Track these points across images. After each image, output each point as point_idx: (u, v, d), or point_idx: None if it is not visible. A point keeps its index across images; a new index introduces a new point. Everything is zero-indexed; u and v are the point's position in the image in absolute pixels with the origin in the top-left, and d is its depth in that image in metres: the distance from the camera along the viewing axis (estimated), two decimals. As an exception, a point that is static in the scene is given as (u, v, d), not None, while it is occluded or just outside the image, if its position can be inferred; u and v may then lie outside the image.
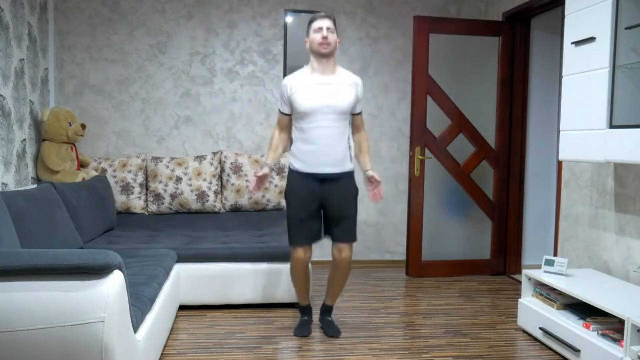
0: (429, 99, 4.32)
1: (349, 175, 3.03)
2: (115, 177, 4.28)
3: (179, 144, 4.64)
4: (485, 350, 2.90)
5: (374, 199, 3.06)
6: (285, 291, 3.51)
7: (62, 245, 3.01)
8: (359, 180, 3.37)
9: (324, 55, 2.92)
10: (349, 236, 3.02)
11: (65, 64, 4.46)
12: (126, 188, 4.28)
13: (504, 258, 4.55)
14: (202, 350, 2.84)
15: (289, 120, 3.05)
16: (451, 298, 3.86)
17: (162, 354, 2.77)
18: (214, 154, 4.48)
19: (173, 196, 4.30)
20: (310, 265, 3.54)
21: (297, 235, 2.99)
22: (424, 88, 4.31)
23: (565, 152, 3.00)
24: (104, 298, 1.90)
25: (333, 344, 2.97)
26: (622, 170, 3.09)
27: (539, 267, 4.20)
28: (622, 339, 2.44)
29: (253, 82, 4.69)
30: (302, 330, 3.10)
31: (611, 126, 2.64)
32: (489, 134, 4.46)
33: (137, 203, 4.30)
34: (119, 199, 4.27)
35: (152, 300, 2.49)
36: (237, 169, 4.41)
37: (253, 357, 2.76)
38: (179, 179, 4.31)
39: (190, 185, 4.32)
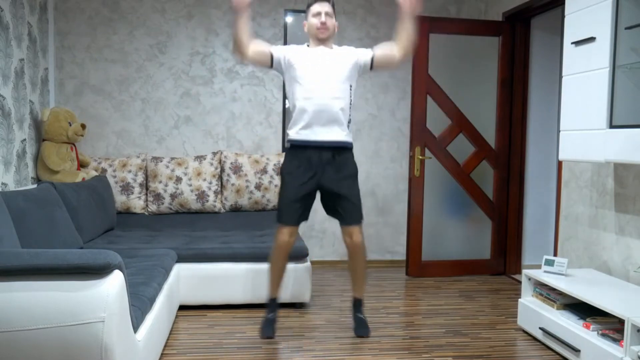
0: (429, 99, 4.32)
1: (348, 148, 2.99)
2: (115, 177, 4.28)
3: (179, 144, 4.64)
4: (485, 350, 2.90)
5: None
6: (285, 291, 3.50)
7: (62, 245, 3.01)
8: (358, 160, 3.26)
9: (322, 39, 2.94)
10: (355, 218, 2.99)
11: (65, 64, 4.46)
12: (126, 188, 4.28)
13: (504, 258, 4.55)
14: (202, 350, 2.84)
15: (264, 60, 2.95)
16: (451, 298, 3.86)
17: (162, 354, 2.77)
18: (214, 154, 4.48)
19: (173, 196, 4.30)
20: (309, 264, 3.55)
21: (287, 215, 2.96)
22: (424, 88, 4.31)
23: (565, 152, 3.00)
24: (104, 298, 1.90)
25: (333, 343, 2.97)
26: (622, 170, 3.09)
27: (539, 267, 4.19)
28: (622, 339, 2.44)
29: (253, 82, 4.69)
30: (267, 331, 3.03)
31: (611, 126, 2.64)
32: (489, 134, 4.46)
33: (137, 203, 4.30)
34: (119, 199, 4.27)
35: (152, 300, 2.49)
36: (237, 169, 4.41)
37: (253, 357, 2.76)
38: (179, 179, 4.31)
39: (190, 185, 4.32)
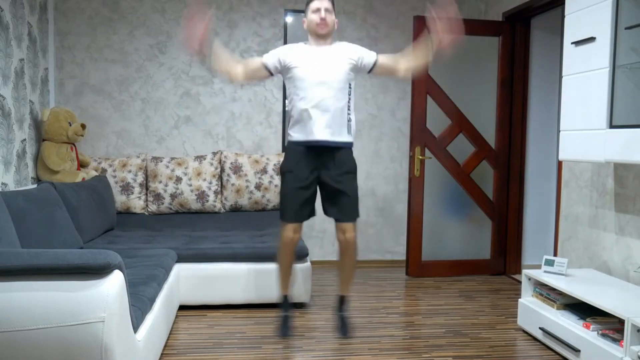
0: (429, 99, 4.32)
1: (347, 147, 2.99)
2: (115, 177, 4.28)
3: (179, 144, 4.64)
4: (485, 350, 2.90)
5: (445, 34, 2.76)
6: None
7: (62, 245, 3.01)
8: (357, 172, 3.28)
9: (322, 35, 2.93)
10: (350, 214, 2.98)
11: (65, 64, 4.46)
12: (126, 188, 4.28)
13: (504, 258, 4.55)
14: (202, 350, 2.84)
15: (258, 69, 2.97)
16: (451, 298, 3.86)
17: (162, 354, 2.77)
18: (214, 154, 4.48)
19: (173, 196, 4.30)
20: (309, 264, 3.55)
21: (290, 212, 2.97)
22: (424, 88, 4.31)
23: (565, 152, 3.00)
24: (104, 298, 1.90)
25: (333, 344, 2.97)
26: (622, 170, 3.09)
27: (539, 267, 4.19)
28: (622, 339, 2.44)
29: (253, 82, 4.69)
30: (283, 330, 3.05)
31: (611, 126, 2.64)
32: (489, 134, 4.46)
33: (137, 203, 4.30)
34: (119, 199, 4.27)
35: (152, 300, 2.49)
36: (237, 169, 4.41)
37: (253, 357, 2.76)
38: (179, 179, 4.31)
39: (190, 185, 4.32)
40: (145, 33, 4.54)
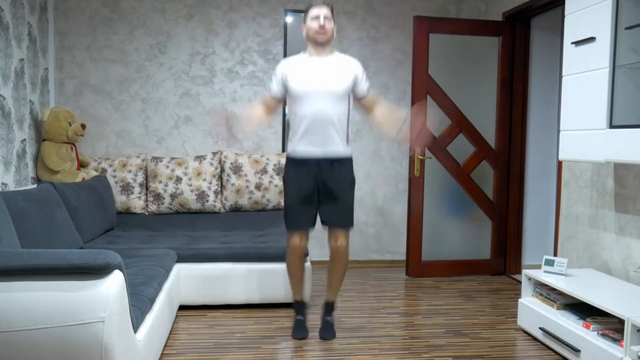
0: (429, 99, 4.32)
1: (347, 159, 3.00)
2: (115, 177, 4.28)
3: (179, 144, 4.64)
4: (485, 350, 2.90)
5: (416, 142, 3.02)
6: (285, 291, 3.50)
7: (62, 245, 3.02)
8: (357, 172, 3.32)
9: (321, 43, 2.92)
10: (344, 221, 2.99)
11: (65, 64, 4.46)
12: (126, 188, 4.28)
13: (504, 258, 4.55)
14: (202, 350, 2.84)
15: (276, 103, 3.07)
16: (451, 298, 3.86)
17: (162, 354, 2.77)
18: (214, 154, 4.48)
19: (173, 196, 4.30)
20: (309, 264, 3.55)
21: (294, 221, 2.98)
22: (424, 88, 4.31)
23: (565, 152, 3.00)
24: (104, 298, 1.90)
25: (333, 344, 2.97)
26: (622, 170, 3.09)
27: (539, 267, 4.19)
28: (622, 339, 2.44)
29: (253, 82, 4.69)
30: (300, 332, 3.07)
31: (611, 126, 2.64)
32: (489, 134, 4.46)
33: (137, 203, 4.30)
34: (119, 199, 4.27)
35: (152, 300, 2.49)
36: (237, 169, 4.41)
37: (253, 357, 2.76)
38: (179, 179, 4.31)
39: (190, 185, 4.32)
40: (145, 33, 4.54)
